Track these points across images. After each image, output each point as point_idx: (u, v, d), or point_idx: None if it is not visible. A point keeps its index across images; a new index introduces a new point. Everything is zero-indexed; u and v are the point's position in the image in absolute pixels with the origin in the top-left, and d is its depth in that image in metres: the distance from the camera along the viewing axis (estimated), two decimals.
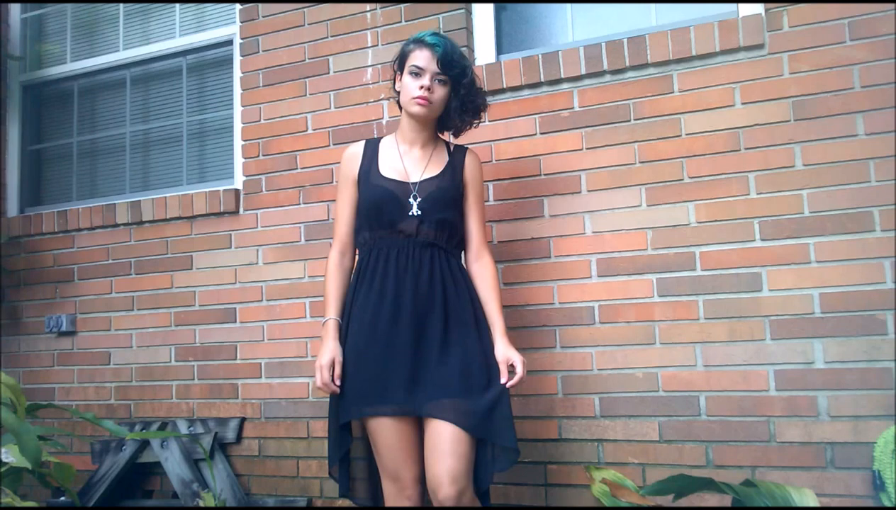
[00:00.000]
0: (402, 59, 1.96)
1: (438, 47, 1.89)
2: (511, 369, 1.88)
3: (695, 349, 2.19)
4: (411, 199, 1.91)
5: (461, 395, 1.80)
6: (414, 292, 1.86)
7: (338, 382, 1.86)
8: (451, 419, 1.77)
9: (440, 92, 1.92)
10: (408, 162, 1.97)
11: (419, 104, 1.89)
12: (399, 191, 1.92)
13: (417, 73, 1.89)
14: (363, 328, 1.88)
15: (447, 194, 1.95)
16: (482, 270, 2.00)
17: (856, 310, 2.03)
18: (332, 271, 1.97)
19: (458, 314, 1.90)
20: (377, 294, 1.88)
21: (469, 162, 2.05)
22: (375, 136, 2.04)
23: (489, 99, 2.38)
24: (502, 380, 1.86)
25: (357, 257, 2.02)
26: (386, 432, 1.81)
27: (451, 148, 2.07)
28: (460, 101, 1.96)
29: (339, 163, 2.68)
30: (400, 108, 2.02)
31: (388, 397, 1.81)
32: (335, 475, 1.96)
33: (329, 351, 1.87)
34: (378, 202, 1.92)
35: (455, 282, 1.93)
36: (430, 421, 1.80)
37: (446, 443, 1.76)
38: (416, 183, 1.93)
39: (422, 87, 1.88)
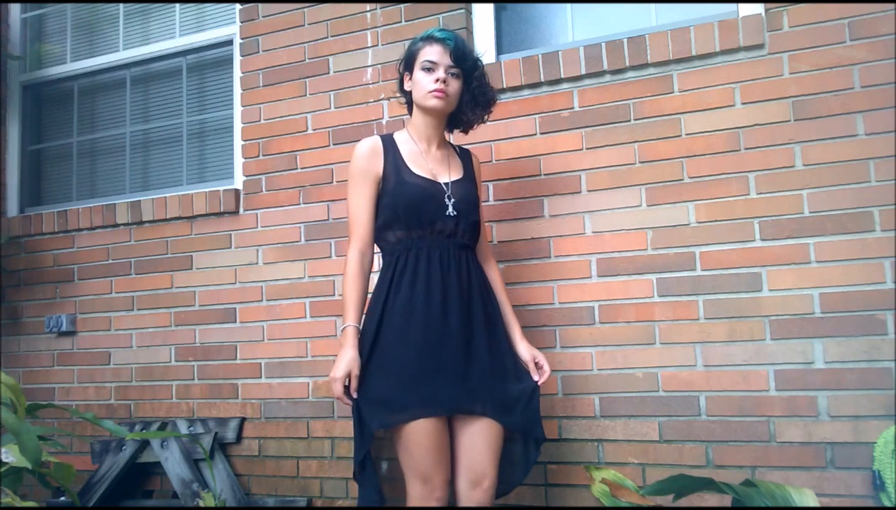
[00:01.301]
0: (410, 59, 1.96)
1: (450, 41, 1.90)
2: (537, 366, 1.97)
3: (695, 349, 2.19)
4: (446, 200, 1.89)
5: (504, 394, 1.85)
6: (459, 294, 1.85)
7: (354, 395, 1.81)
8: (499, 418, 1.83)
9: (454, 85, 1.92)
10: (432, 162, 1.95)
11: (436, 97, 1.88)
12: (435, 190, 1.90)
13: (430, 67, 1.89)
14: (409, 330, 1.81)
15: (474, 197, 1.98)
16: (492, 273, 2.05)
17: (856, 310, 2.03)
18: (352, 274, 1.87)
19: (493, 316, 1.93)
20: (423, 295, 1.83)
21: (476, 165, 2.09)
22: (385, 133, 1.99)
23: None
24: (535, 378, 1.94)
25: (383, 257, 1.95)
26: (428, 433, 1.76)
27: (458, 150, 2.08)
28: (472, 94, 1.97)
29: (339, 162, 2.70)
30: (409, 110, 2.02)
31: (440, 398, 1.78)
32: (360, 479, 1.86)
33: (346, 363, 1.79)
34: (418, 200, 1.87)
35: (485, 284, 1.97)
36: (475, 418, 1.82)
37: (492, 438, 1.84)
38: (447, 183, 1.92)
39: (437, 80, 1.88)
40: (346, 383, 1.80)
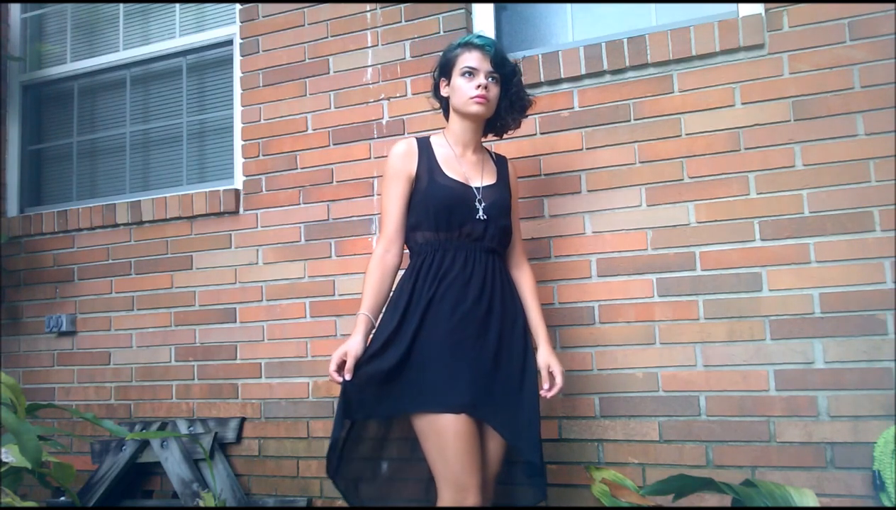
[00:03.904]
0: (447, 65, 1.95)
1: (489, 47, 1.90)
2: (550, 377, 1.92)
3: (695, 349, 2.19)
4: (477, 204, 1.89)
5: (512, 410, 1.83)
6: (480, 298, 1.84)
7: (348, 376, 1.79)
8: (504, 434, 1.80)
9: (494, 90, 1.92)
10: (465, 166, 1.95)
11: (478, 103, 1.88)
12: (466, 193, 1.90)
13: (470, 73, 1.89)
14: (434, 329, 1.80)
15: (506, 203, 1.98)
16: (524, 278, 2.03)
17: (856, 310, 2.03)
18: (373, 267, 1.87)
19: (514, 324, 1.91)
20: (444, 295, 1.82)
21: (511, 172, 2.09)
22: (422, 136, 2.00)
23: None
24: (545, 386, 1.91)
25: (411, 257, 1.94)
26: (463, 431, 1.72)
27: (494, 156, 2.09)
28: (510, 99, 1.98)
29: (339, 162, 2.71)
30: (445, 115, 2.02)
31: (457, 400, 1.75)
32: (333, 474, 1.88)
33: (347, 344, 1.79)
34: (450, 202, 1.87)
35: (512, 289, 1.96)
36: (484, 428, 1.81)
37: (494, 453, 1.84)
38: (479, 188, 1.92)
39: (478, 86, 1.88)
40: (342, 364, 1.79)
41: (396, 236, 1.91)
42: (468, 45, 1.92)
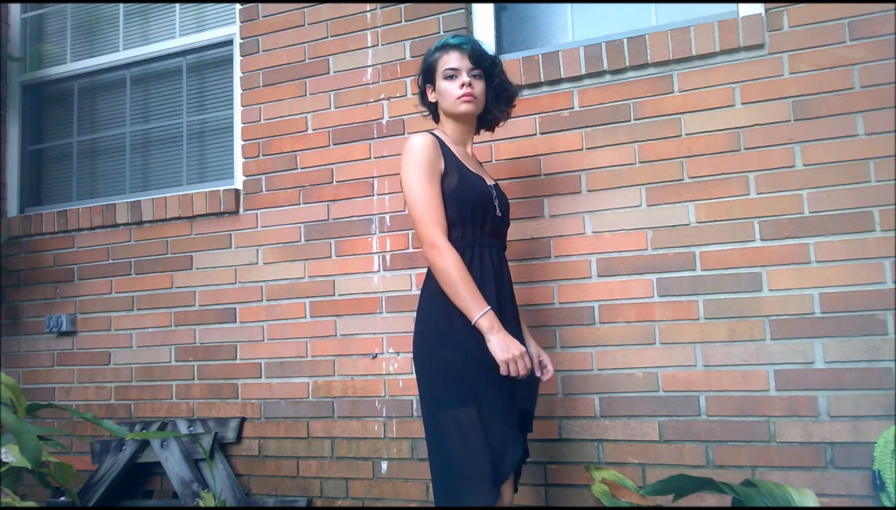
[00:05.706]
0: (429, 70, 1.96)
1: (466, 45, 1.91)
2: (541, 365, 1.99)
3: (695, 349, 2.19)
4: (494, 201, 1.91)
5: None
6: (511, 294, 1.91)
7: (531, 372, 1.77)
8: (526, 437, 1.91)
9: (479, 86, 1.93)
10: (472, 165, 1.96)
11: (466, 101, 1.89)
12: (489, 191, 1.91)
13: (453, 74, 1.90)
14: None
15: (508, 202, 2.01)
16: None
17: (856, 310, 2.03)
18: (454, 261, 1.74)
19: (519, 318, 1.97)
20: (497, 290, 1.83)
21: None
22: (428, 131, 1.94)
23: None
24: (537, 374, 1.95)
25: None
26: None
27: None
28: (495, 92, 1.99)
29: (339, 162, 2.71)
30: (436, 120, 2.02)
31: (530, 401, 1.87)
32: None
33: (517, 344, 1.71)
34: (482, 199, 1.86)
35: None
36: None
37: None
38: (491, 186, 1.94)
39: (463, 85, 1.89)
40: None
41: (446, 230, 1.80)
42: (445, 48, 1.93)
